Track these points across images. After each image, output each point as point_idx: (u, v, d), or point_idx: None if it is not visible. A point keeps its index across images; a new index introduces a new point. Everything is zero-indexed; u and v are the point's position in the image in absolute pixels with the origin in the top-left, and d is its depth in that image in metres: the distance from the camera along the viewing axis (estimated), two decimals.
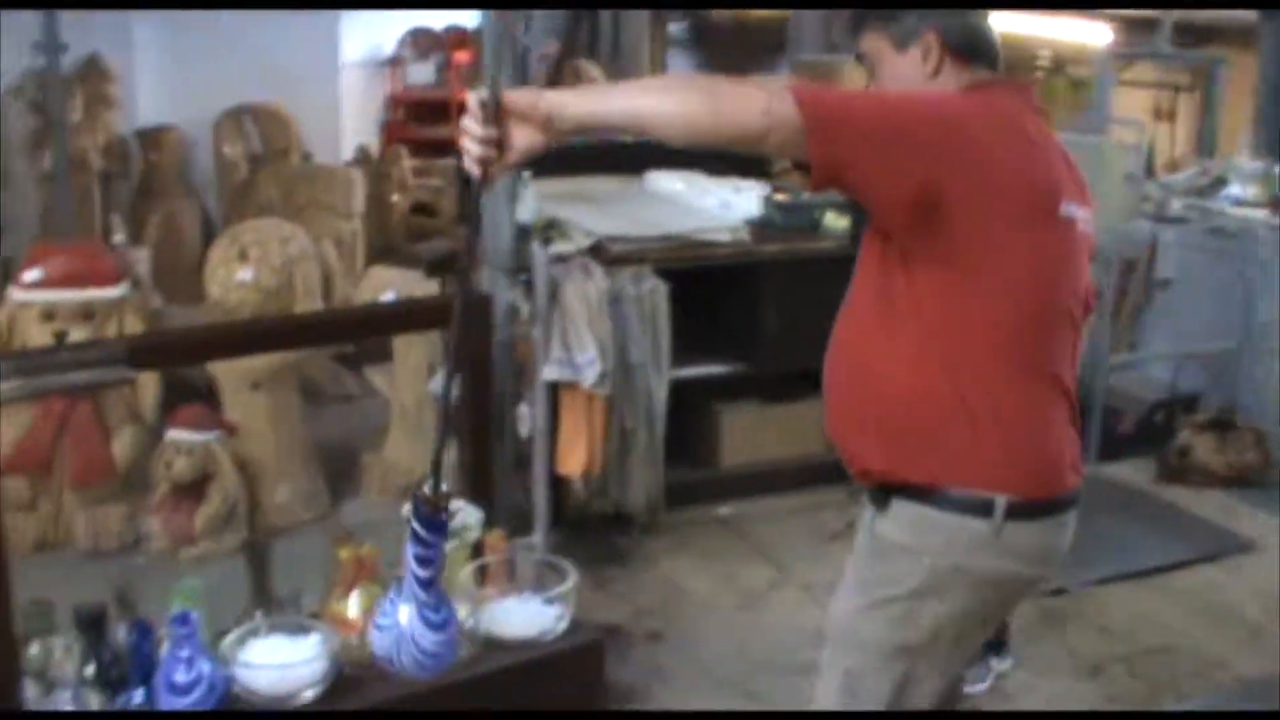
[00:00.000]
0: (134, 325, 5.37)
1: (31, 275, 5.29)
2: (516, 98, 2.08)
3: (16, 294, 5.28)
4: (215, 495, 5.24)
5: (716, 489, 5.09)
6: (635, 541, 4.64)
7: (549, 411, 4.29)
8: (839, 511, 4.90)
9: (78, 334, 5.22)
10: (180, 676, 3.22)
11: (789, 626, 4.29)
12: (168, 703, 3.22)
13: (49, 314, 5.23)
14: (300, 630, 3.39)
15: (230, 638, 3.35)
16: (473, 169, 2.08)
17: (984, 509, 2.24)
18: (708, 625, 4.17)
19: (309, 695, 3.29)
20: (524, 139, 2.09)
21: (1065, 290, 2.36)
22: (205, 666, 3.23)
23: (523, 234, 4.27)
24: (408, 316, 4.29)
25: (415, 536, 2.16)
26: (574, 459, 4.34)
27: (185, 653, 3.21)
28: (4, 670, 3.37)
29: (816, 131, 2.06)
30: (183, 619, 3.24)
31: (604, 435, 4.36)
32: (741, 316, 5.06)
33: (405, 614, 2.20)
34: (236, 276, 5.61)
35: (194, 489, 5.23)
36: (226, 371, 5.50)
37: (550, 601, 3.60)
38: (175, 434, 5.26)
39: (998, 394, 2.27)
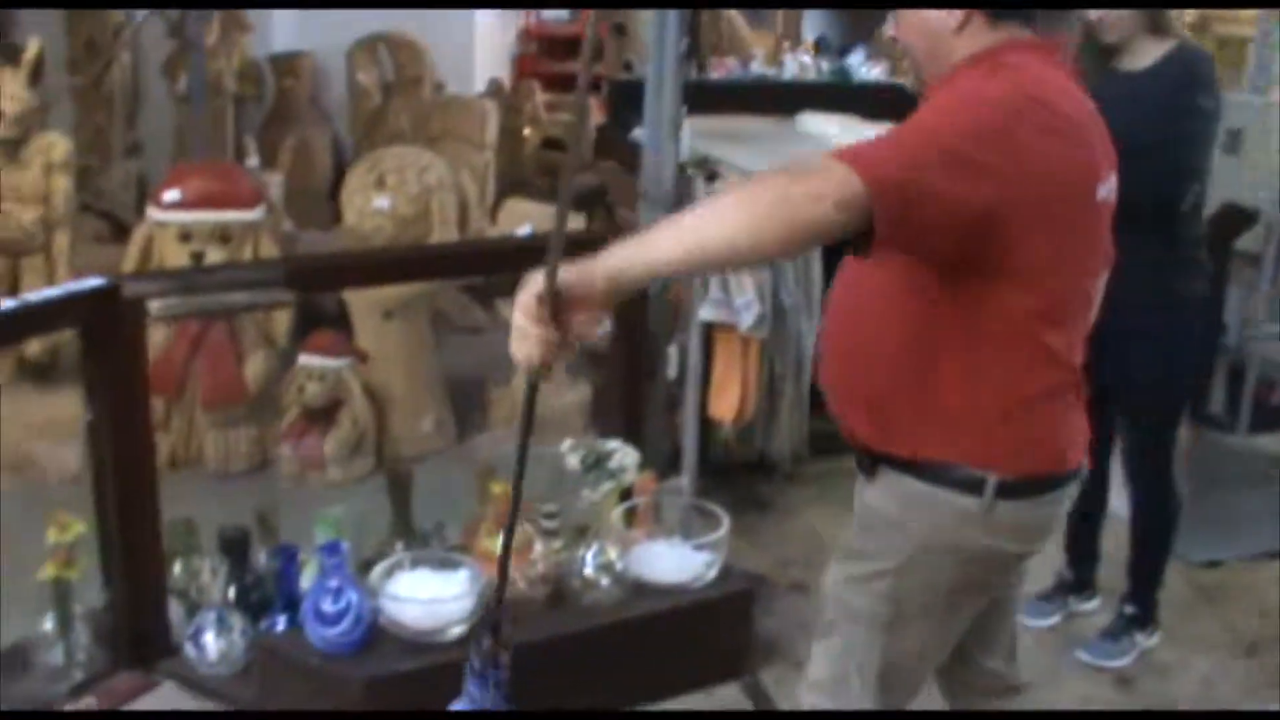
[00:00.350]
0: (269, 249, 5.34)
1: (170, 196, 5.25)
2: (574, 283, 1.87)
3: (155, 214, 5.25)
4: (345, 421, 5.20)
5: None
6: (778, 490, 4.53)
7: (702, 354, 4.17)
8: None
9: (214, 256, 5.20)
10: (328, 606, 3.14)
11: None
12: (315, 631, 3.16)
13: (186, 235, 5.20)
14: (448, 565, 3.31)
15: (378, 569, 3.28)
16: (532, 368, 1.93)
17: (974, 486, 2.13)
18: None
19: (455, 632, 3.20)
20: (584, 323, 1.92)
21: (1087, 273, 2.22)
22: (353, 597, 3.15)
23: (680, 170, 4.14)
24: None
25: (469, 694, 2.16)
26: (726, 403, 4.22)
27: (334, 582, 3.14)
28: (153, 588, 3.33)
29: (885, 208, 1.84)
30: (332, 548, 3.17)
31: (757, 380, 4.24)
32: None
33: None
34: (374, 203, 5.55)
35: (324, 415, 5.21)
36: (360, 299, 5.45)
37: (701, 547, 3.49)
38: (308, 359, 5.23)
39: (1001, 379, 2.13)
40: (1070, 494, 2.28)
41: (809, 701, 2.40)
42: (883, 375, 2.18)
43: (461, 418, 5.61)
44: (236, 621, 3.38)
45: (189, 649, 3.38)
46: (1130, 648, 3.79)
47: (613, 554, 3.41)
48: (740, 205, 1.84)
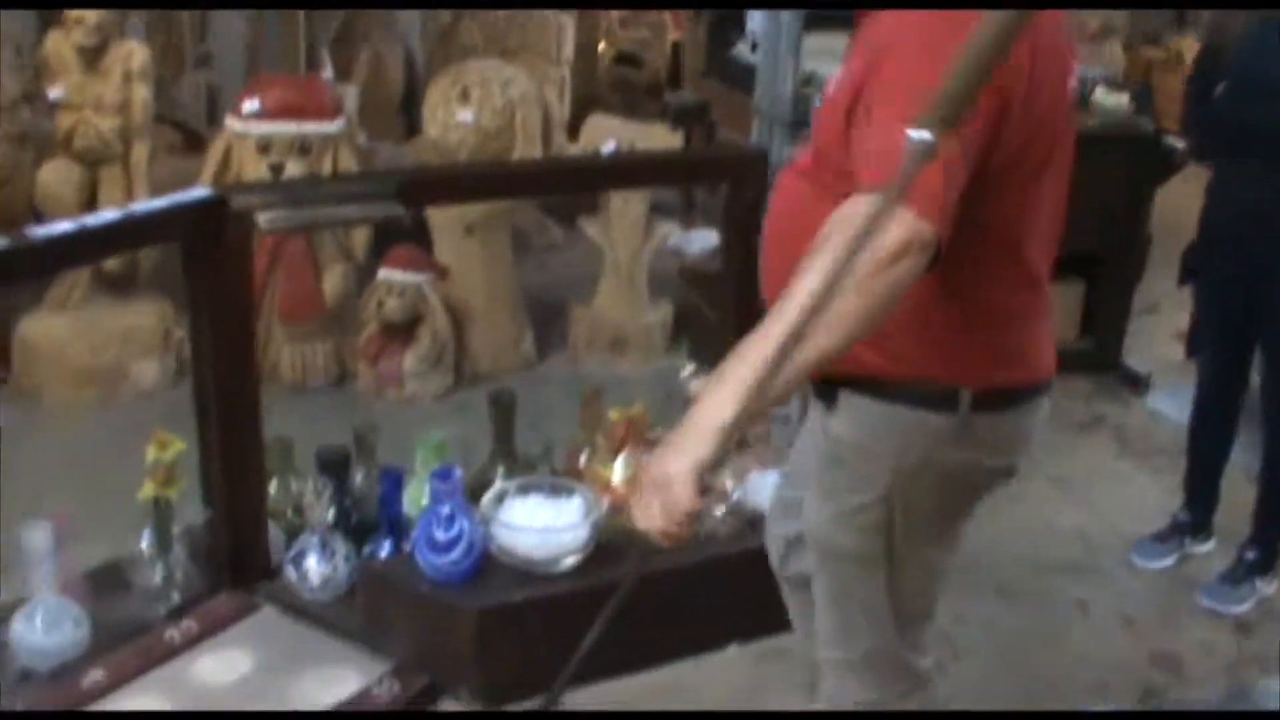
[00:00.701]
0: (347, 161, 5.23)
1: (250, 106, 5.12)
2: (717, 447, 1.77)
3: (234, 125, 5.13)
4: (425, 337, 5.11)
5: None
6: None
7: None
8: (1084, 402, 4.65)
9: (293, 168, 5.09)
10: (440, 533, 3.04)
11: (1041, 521, 4.05)
12: (425, 559, 3.05)
13: (265, 146, 5.08)
14: (560, 492, 3.20)
15: (488, 496, 3.17)
16: (669, 539, 1.82)
17: (948, 402, 2.02)
18: None
19: (569, 562, 3.11)
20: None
21: (1059, 180, 2.08)
22: (465, 524, 3.05)
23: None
24: (667, 168, 4.00)
25: None
26: None
27: (446, 509, 3.03)
28: (254, 509, 3.23)
29: (947, 230, 1.80)
30: (444, 474, 3.06)
31: None
32: None
33: None
34: (457, 116, 5.41)
35: (403, 330, 5.11)
36: (440, 215, 5.32)
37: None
38: (388, 274, 5.13)
39: (972, 290, 2.01)
40: (1049, 403, 2.17)
41: (827, 657, 2.31)
42: None
43: (540, 337, 5.50)
44: (339, 546, 3.28)
45: (290, 573, 3.28)
46: (1250, 593, 3.68)
47: (729, 484, 3.28)
48: (850, 313, 1.73)
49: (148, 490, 3.22)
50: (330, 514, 3.29)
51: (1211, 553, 3.87)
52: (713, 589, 3.25)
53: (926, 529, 2.15)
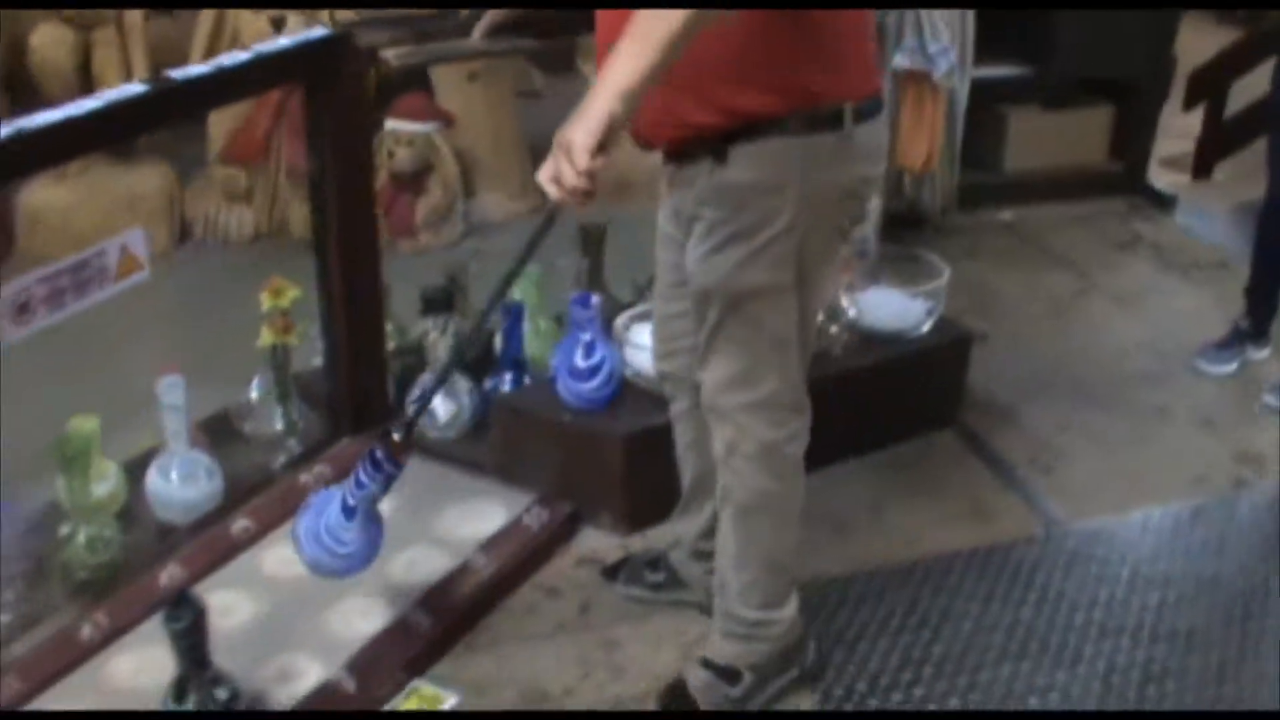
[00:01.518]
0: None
1: None
2: (614, 120, 2.01)
3: None
4: (435, 188, 5.06)
5: (999, 193, 4.90)
6: (930, 243, 4.45)
7: (892, 103, 4.06)
8: (1120, 222, 4.75)
9: (293, 21, 4.95)
10: (581, 361, 3.05)
11: (1107, 333, 4.18)
12: (567, 387, 3.07)
13: None
14: None
15: (620, 320, 3.19)
16: (570, 203, 2.06)
17: (833, 120, 2.19)
18: (1026, 329, 4.02)
19: None
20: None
21: None
22: (606, 350, 3.06)
23: None
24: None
25: (365, 471, 2.44)
26: (916, 151, 4.12)
27: (587, 336, 3.04)
28: (374, 352, 3.21)
29: None
30: (584, 300, 3.07)
31: (942, 130, 4.13)
32: (1036, 17, 4.80)
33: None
34: None
35: (412, 181, 5.04)
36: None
37: (921, 296, 3.44)
38: (395, 124, 5.05)
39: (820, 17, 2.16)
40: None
41: (727, 403, 2.40)
42: (712, 55, 2.13)
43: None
44: (462, 383, 3.27)
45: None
46: (1235, 356, 3.91)
47: (844, 300, 3.33)
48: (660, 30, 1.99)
49: (266, 338, 3.18)
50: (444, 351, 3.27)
51: (1269, 359, 4.00)
52: (829, 405, 3.30)
53: (827, 249, 2.32)
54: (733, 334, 2.34)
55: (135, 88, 2.64)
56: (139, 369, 3.75)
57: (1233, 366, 3.92)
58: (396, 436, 2.43)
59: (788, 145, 2.18)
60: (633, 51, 2.00)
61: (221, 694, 2.48)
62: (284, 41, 2.96)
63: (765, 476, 2.43)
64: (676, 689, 2.63)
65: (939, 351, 3.46)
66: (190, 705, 2.44)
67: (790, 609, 2.60)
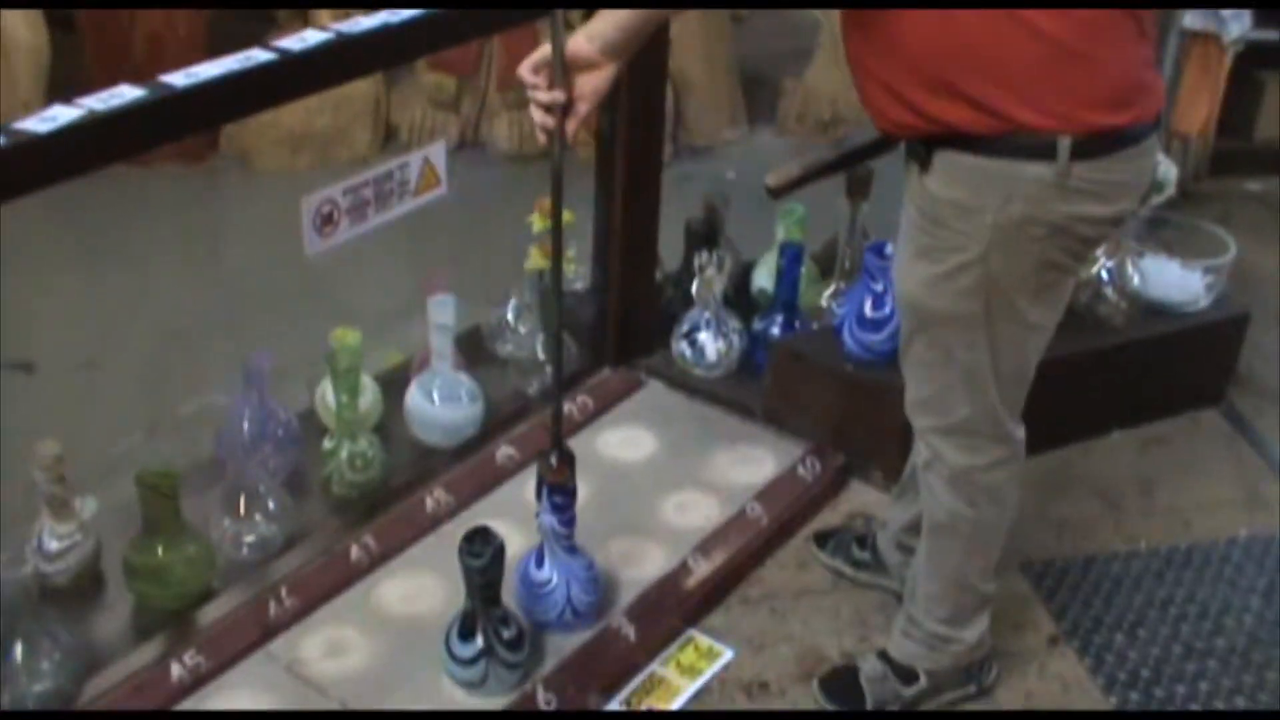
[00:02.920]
0: None
1: None
2: (576, 50, 2.00)
3: None
4: None
5: (1250, 161, 4.69)
6: (1180, 210, 4.27)
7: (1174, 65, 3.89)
8: None
9: None
10: (870, 311, 2.93)
11: None
12: (854, 336, 2.96)
13: None
14: None
15: None
16: (546, 132, 2.05)
17: (1045, 151, 1.93)
18: None
19: None
20: (591, 83, 2.03)
21: None
22: (893, 302, 2.93)
23: None
24: None
25: (554, 506, 2.42)
26: (1197, 115, 3.95)
27: (880, 286, 2.92)
28: (646, 282, 3.10)
29: None
30: (878, 249, 2.93)
31: (1223, 93, 3.95)
32: None
33: (558, 574, 2.50)
34: None
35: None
36: None
37: (1196, 269, 3.28)
38: None
39: (1053, 27, 1.89)
40: (1156, 144, 2.09)
41: (919, 424, 2.27)
42: (920, 46, 1.95)
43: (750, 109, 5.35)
44: (733, 323, 3.16)
45: (681, 348, 3.18)
46: None
47: (1129, 267, 3.19)
48: None
49: (535, 260, 3.08)
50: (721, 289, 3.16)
51: None
52: (1100, 375, 3.18)
53: (1026, 286, 2.07)
54: (921, 357, 2.20)
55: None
56: (377, 282, 3.70)
57: None
58: (554, 460, 2.40)
59: (990, 166, 1.98)
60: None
61: (507, 633, 2.40)
62: None
63: (957, 500, 2.29)
64: (845, 674, 2.53)
65: (1215, 328, 3.31)
66: (478, 642, 2.37)
67: (975, 630, 2.45)
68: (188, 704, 2.36)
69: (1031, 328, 2.15)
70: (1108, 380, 3.20)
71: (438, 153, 2.66)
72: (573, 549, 2.52)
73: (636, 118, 2.95)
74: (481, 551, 2.33)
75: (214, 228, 4.54)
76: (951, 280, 2.07)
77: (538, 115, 2.04)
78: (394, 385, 3.05)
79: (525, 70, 2.02)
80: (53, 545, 2.52)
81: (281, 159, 4.88)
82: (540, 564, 2.51)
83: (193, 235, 4.41)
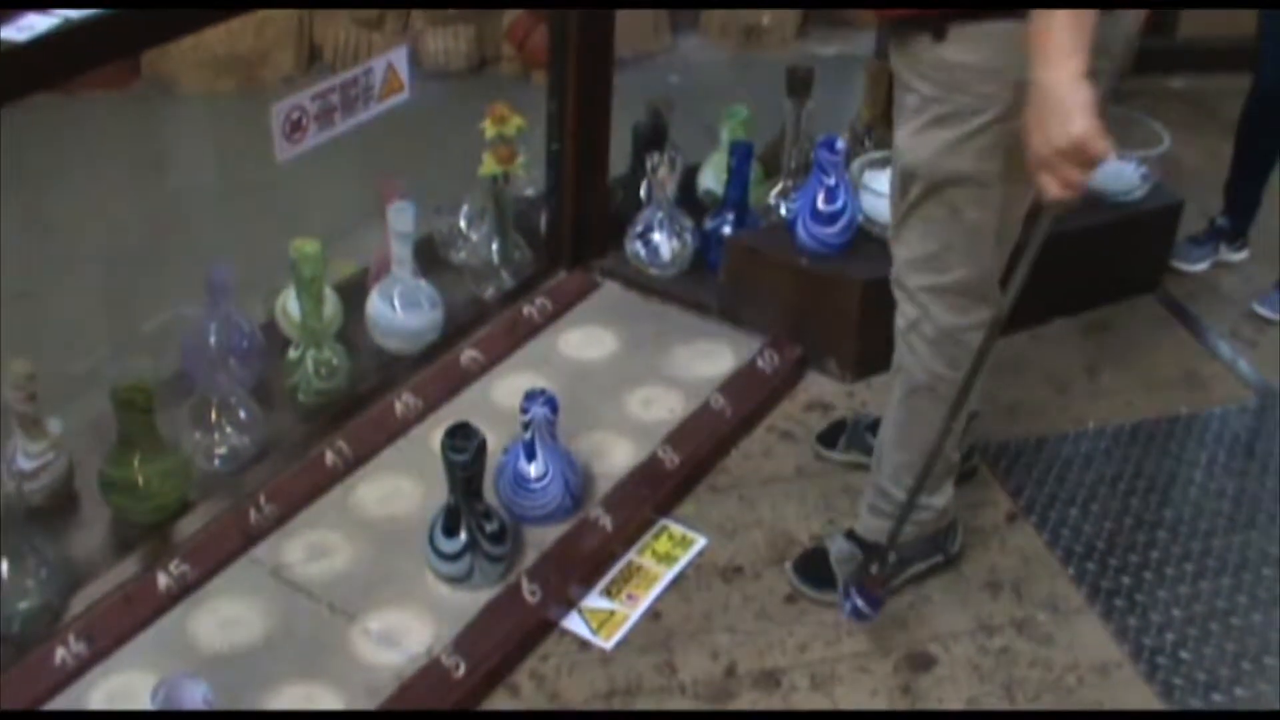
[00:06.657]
0: None
1: None
2: (1088, 92, 1.83)
3: None
4: None
5: (1170, 59, 4.77)
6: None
7: None
8: None
9: None
10: (823, 204, 2.99)
11: None
12: (808, 231, 3.01)
13: None
14: None
15: (856, 163, 3.12)
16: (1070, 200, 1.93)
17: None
18: (1216, 199, 3.87)
19: None
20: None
21: None
22: (846, 196, 2.99)
23: None
24: None
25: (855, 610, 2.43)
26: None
27: (832, 180, 2.97)
28: (599, 184, 3.13)
29: None
30: (830, 143, 2.98)
31: None
32: None
33: (552, 465, 2.61)
34: None
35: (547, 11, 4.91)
36: None
37: (1132, 160, 3.37)
38: None
39: None
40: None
41: (913, 282, 2.32)
42: None
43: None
44: (685, 221, 3.21)
45: (636, 248, 3.22)
46: (1210, 254, 3.72)
47: None
48: None
49: (488, 166, 3.09)
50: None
51: (1245, 262, 3.80)
52: (1041, 264, 3.24)
53: None
54: (929, 215, 2.25)
55: None
56: (321, 196, 3.69)
57: (1202, 265, 3.73)
58: (874, 570, 2.42)
59: (1013, 30, 2.00)
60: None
61: (490, 526, 2.44)
62: None
63: (940, 360, 2.35)
64: (814, 556, 2.60)
65: (1150, 216, 3.40)
66: (462, 537, 2.41)
67: (943, 497, 2.52)
68: (177, 611, 2.37)
69: (1030, 186, 2.18)
70: (1049, 269, 3.26)
71: (400, 57, 2.67)
72: (555, 437, 2.57)
73: (586, 24, 2.95)
74: (464, 447, 2.36)
75: (147, 152, 4.48)
76: (972, 140, 2.12)
77: (1079, 184, 1.92)
78: (350, 294, 3.05)
79: (1086, 179, 1.91)
80: (27, 465, 2.51)
81: (205, 82, 4.83)
82: (531, 457, 2.54)
83: (126, 160, 4.35)
